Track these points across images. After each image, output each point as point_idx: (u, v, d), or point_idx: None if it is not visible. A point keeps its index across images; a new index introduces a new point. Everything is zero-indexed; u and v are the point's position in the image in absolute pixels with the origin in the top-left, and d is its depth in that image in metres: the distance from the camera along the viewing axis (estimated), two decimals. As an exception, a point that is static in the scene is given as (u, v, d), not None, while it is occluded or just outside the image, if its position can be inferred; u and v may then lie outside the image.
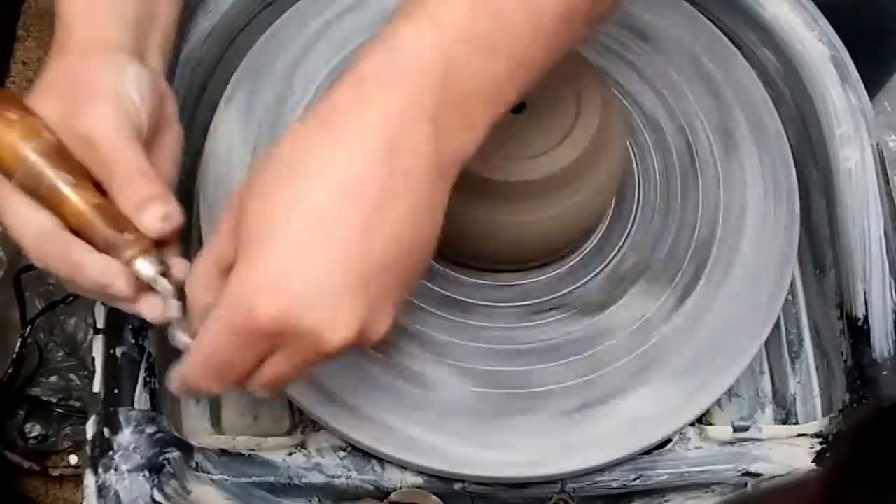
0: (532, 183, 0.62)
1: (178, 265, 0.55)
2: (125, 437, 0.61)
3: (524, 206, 0.63)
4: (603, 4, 0.53)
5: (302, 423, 0.66)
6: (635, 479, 0.64)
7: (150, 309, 0.55)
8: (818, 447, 0.65)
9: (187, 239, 0.73)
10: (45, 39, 1.42)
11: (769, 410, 0.71)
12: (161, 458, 0.61)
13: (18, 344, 1.11)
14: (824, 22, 0.76)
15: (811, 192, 0.74)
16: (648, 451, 0.65)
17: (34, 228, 0.54)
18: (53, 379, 1.14)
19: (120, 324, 0.64)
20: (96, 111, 0.54)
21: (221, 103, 0.73)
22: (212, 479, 0.62)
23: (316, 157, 0.48)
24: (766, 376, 0.72)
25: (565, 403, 0.65)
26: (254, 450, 0.64)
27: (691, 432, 0.66)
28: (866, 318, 0.67)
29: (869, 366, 0.66)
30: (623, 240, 0.70)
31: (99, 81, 0.55)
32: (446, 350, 0.66)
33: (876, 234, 0.69)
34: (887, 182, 0.71)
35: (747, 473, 0.65)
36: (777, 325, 0.71)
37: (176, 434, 0.63)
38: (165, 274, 0.54)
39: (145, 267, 0.54)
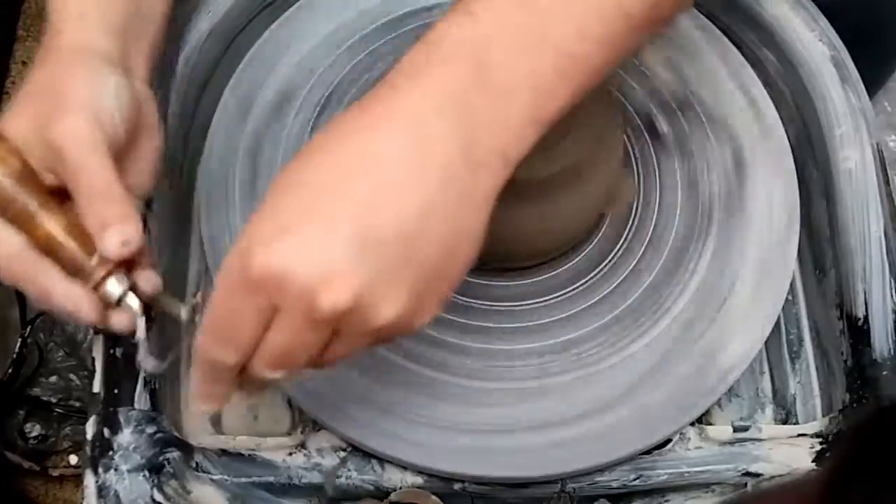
0: (532, 182, 0.62)
1: (145, 278, 0.56)
2: (125, 437, 0.61)
3: (524, 205, 0.63)
4: (664, 5, 0.53)
5: (302, 423, 0.66)
6: (635, 479, 0.64)
7: (119, 322, 0.56)
8: (818, 447, 0.65)
9: (186, 240, 0.73)
10: (45, 39, 1.42)
11: (769, 410, 0.71)
12: (161, 458, 0.61)
13: (18, 344, 1.11)
14: (824, 22, 0.76)
15: (811, 192, 0.74)
16: (648, 451, 0.65)
17: (4, 249, 0.55)
18: (53, 379, 1.14)
19: (120, 324, 0.64)
20: (69, 123, 0.54)
21: (221, 103, 0.73)
22: (212, 479, 0.62)
23: (349, 139, 0.48)
24: (766, 376, 0.72)
25: (565, 403, 0.65)
26: (254, 450, 0.64)
27: (691, 432, 0.66)
28: (866, 318, 0.67)
29: (869, 366, 0.66)
30: (623, 240, 0.70)
31: (78, 92, 0.55)
32: (447, 350, 0.66)
33: (876, 234, 0.69)
34: (887, 182, 0.71)
35: (747, 473, 0.65)
36: (777, 325, 0.71)
37: (176, 434, 0.63)
38: (133, 288, 0.55)
39: (113, 287, 0.55)
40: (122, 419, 0.61)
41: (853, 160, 0.71)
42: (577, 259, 0.70)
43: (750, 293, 0.68)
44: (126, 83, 0.57)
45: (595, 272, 0.69)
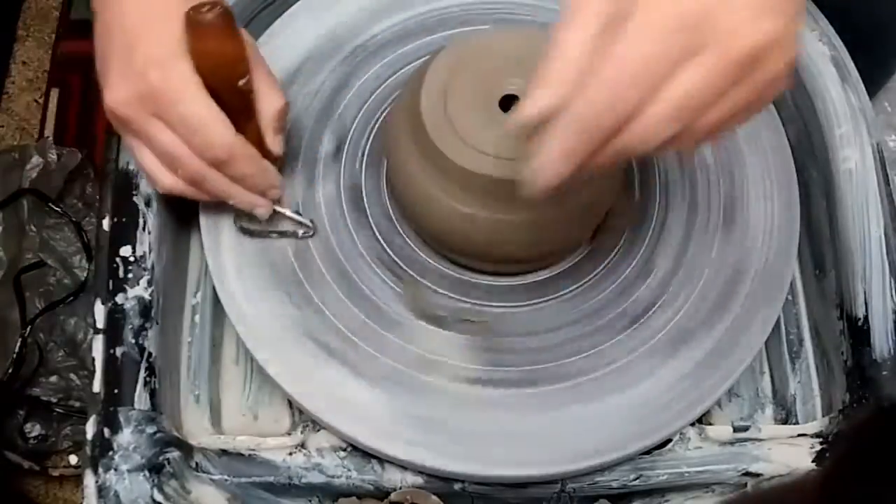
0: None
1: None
2: (125, 437, 0.61)
3: (524, 206, 0.63)
4: None
5: (302, 423, 0.66)
6: (635, 479, 0.64)
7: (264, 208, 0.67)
8: (818, 447, 0.65)
9: (186, 239, 0.73)
10: (45, 39, 1.42)
11: (769, 410, 0.71)
12: (161, 458, 0.61)
13: (18, 344, 1.11)
14: (824, 22, 0.76)
15: (811, 192, 0.74)
16: (648, 451, 0.65)
17: (232, 132, 0.62)
18: (53, 379, 1.14)
19: (120, 324, 0.64)
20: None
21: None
22: (212, 479, 0.63)
23: None
24: (766, 376, 0.72)
25: (565, 403, 0.65)
26: (254, 450, 0.64)
27: (691, 432, 0.66)
28: (866, 318, 0.67)
29: (869, 366, 0.66)
30: (623, 239, 0.71)
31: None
32: (446, 349, 0.66)
33: (876, 235, 0.69)
34: (887, 182, 0.71)
35: (747, 473, 0.65)
36: (777, 325, 0.71)
37: (176, 434, 0.63)
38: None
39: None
40: (122, 419, 0.62)
41: (853, 160, 0.71)
42: (576, 259, 0.70)
43: (750, 293, 0.68)
44: None
45: (595, 272, 0.70)
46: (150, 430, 0.62)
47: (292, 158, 0.71)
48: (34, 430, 1.13)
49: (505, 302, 0.68)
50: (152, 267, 0.66)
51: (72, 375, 1.14)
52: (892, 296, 0.67)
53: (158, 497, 0.60)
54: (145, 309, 0.65)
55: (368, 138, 0.73)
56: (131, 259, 0.66)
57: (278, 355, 0.65)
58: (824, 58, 0.74)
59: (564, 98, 0.48)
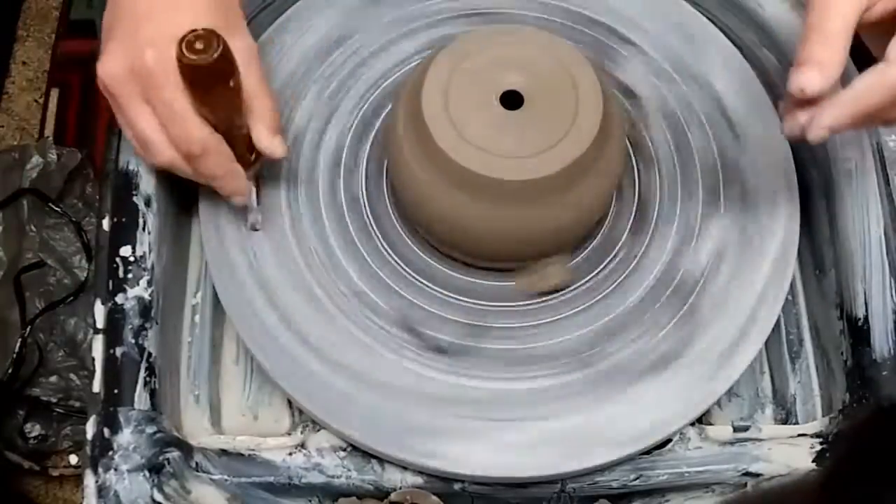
0: (531, 182, 0.62)
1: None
2: (125, 437, 0.61)
3: (523, 205, 0.63)
4: None
5: (302, 423, 0.66)
6: (635, 479, 0.64)
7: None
8: (818, 447, 0.65)
9: (186, 239, 0.73)
10: (45, 39, 1.42)
11: (769, 410, 0.71)
12: (161, 458, 0.61)
13: (18, 344, 1.12)
14: (824, 22, 0.75)
15: (811, 192, 0.74)
16: (648, 451, 0.65)
17: (208, 141, 0.62)
18: (53, 379, 1.14)
19: (120, 324, 0.64)
20: (247, 41, 0.65)
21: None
22: (212, 479, 0.63)
23: None
24: (766, 376, 0.72)
25: (566, 403, 0.65)
26: (254, 450, 0.64)
27: (691, 432, 0.66)
28: (866, 318, 0.67)
29: (869, 366, 0.66)
30: (623, 239, 0.71)
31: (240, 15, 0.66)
32: (446, 349, 0.66)
33: (876, 235, 0.69)
34: (887, 182, 0.71)
35: (747, 473, 0.65)
36: (777, 325, 0.71)
37: (176, 434, 0.63)
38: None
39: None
40: (122, 419, 0.62)
41: (853, 160, 0.71)
42: (576, 259, 0.70)
43: (750, 293, 0.68)
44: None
45: (595, 272, 0.70)
46: (150, 430, 0.62)
47: (291, 158, 0.71)
48: (34, 430, 1.14)
49: (501, 301, 0.68)
50: (152, 267, 0.66)
51: (72, 375, 1.14)
52: (892, 296, 0.67)
53: (158, 497, 0.60)
54: (145, 309, 0.65)
55: (369, 138, 0.73)
56: (131, 259, 0.66)
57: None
58: (824, 58, 0.74)
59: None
